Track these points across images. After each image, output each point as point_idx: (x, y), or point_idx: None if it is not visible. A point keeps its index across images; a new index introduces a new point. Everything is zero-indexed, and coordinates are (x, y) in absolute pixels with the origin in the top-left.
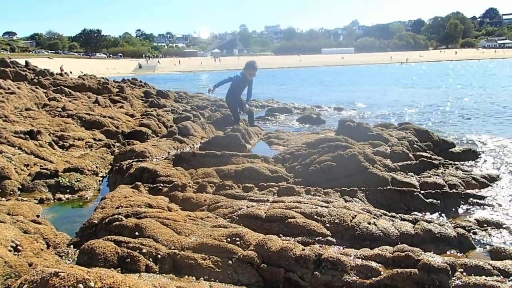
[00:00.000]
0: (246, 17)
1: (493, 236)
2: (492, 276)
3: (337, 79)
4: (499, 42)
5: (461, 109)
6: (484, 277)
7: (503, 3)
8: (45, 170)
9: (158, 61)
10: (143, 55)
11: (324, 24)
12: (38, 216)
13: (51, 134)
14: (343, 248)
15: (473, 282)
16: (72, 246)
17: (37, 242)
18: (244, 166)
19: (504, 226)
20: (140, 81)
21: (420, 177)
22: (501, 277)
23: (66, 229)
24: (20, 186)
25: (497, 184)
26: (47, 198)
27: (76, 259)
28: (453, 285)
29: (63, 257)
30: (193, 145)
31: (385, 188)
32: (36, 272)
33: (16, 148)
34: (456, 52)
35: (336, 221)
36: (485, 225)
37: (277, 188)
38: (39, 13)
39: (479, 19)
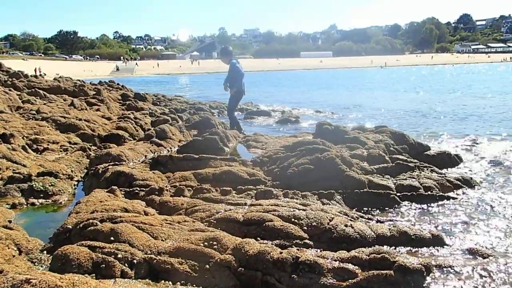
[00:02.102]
0: (226, 20)
1: (467, 237)
2: (465, 276)
3: (315, 83)
4: (472, 47)
5: (437, 112)
6: (458, 277)
7: (476, 9)
8: (18, 174)
9: (136, 64)
10: (121, 57)
11: (303, 28)
12: (10, 221)
13: (25, 138)
14: (320, 251)
15: (447, 282)
16: (45, 252)
17: (9, 248)
18: (222, 169)
19: (478, 226)
20: (118, 84)
21: (396, 180)
22: (474, 276)
23: (39, 235)
24: None
25: (470, 186)
26: (19, 203)
27: (49, 265)
28: (427, 286)
29: (36, 264)
30: (170, 148)
31: (362, 190)
32: (7, 279)
33: None
34: (432, 57)
35: (313, 224)
36: (458, 225)
37: (255, 192)
38: (14, 13)
39: (453, 25)
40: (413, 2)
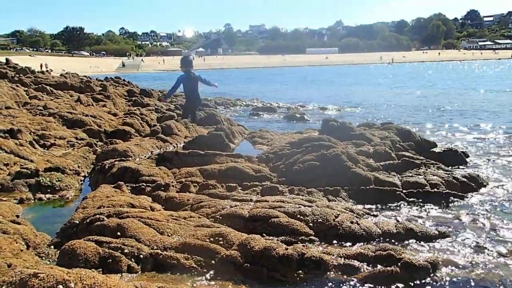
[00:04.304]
0: (231, 16)
1: (474, 234)
2: (472, 273)
3: (321, 79)
4: (480, 43)
5: (443, 108)
6: (464, 274)
7: (484, 5)
8: (25, 170)
9: (142, 60)
10: (126, 53)
11: (308, 24)
12: (17, 216)
13: (32, 133)
14: (326, 247)
15: (453, 279)
16: (52, 246)
17: (17, 243)
18: (227, 165)
19: (484, 224)
20: (124, 80)
21: (402, 177)
22: (481, 274)
23: (46, 230)
24: (0, 186)
25: (477, 183)
26: (27, 198)
27: (56, 260)
28: (433, 283)
29: (43, 258)
30: (176, 144)
31: (367, 187)
32: (15, 273)
33: None
34: (439, 53)
35: (319, 220)
36: (465, 223)
37: (260, 188)
38: (20, 9)
39: (460, 21)
40: None
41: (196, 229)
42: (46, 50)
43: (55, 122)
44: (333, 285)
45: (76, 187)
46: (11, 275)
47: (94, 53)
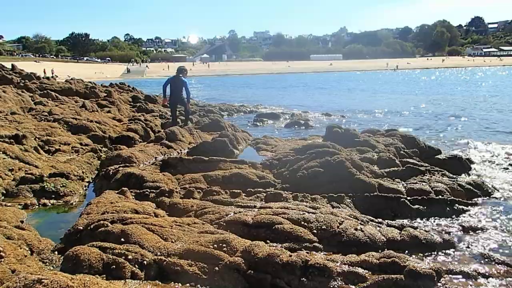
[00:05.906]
0: (236, 23)
1: (479, 242)
2: (476, 281)
3: (326, 85)
4: (484, 50)
5: (448, 115)
6: (469, 282)
7: (488, 12)
8: (30, 175)
9: (147, 66)
10: (131, 59)
11: (313, 31)
12: (22, 221)
13: (37, 139)
14: (330, 254)
15: (458, 287)
16: (56, 252)
17: (21, 248)
18: (231, 171)
19: (489, 231)
20: (128, 86)
21: (406, 183)
22: (485, 282)
23: (50, 235)
24: (4, 191)
25: (482, 190)
26: (31, 203)
27: (60, 265)
28: None
29: (47, 264)
30: (180, 150)
31: (372, 194)
32: (19, 279)
33: (1, 152)
34: (443, 60)
35: (323, 227)
36: (470, 230)
37: (264, 194)
38: (26, 16)
39: (465, 28)
40: (424, 4)
41: (200, 236)
42: (51, 56)
43: (60, 128)
44: None
45: (80, 192)
46: (15, 281)
47: (99, 59)
